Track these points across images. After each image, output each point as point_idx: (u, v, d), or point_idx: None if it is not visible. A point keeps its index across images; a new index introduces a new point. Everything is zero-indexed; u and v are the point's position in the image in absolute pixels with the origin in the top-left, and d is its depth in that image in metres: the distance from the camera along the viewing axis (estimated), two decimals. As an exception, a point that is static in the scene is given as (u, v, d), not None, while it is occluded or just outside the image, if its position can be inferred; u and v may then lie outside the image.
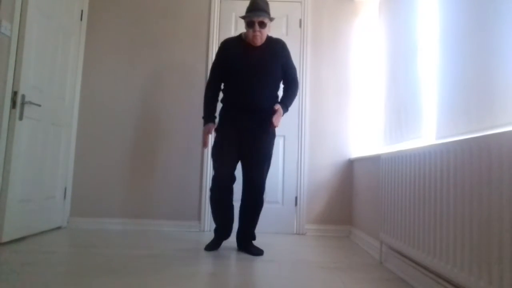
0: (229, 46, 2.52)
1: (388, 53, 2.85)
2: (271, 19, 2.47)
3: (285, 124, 3.33)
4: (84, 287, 1.63)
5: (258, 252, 2.44)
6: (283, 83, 2.60)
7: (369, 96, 3.35)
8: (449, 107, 1.73)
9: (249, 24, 2.41)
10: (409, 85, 2.33)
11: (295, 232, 3.31)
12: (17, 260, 2.05)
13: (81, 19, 3.37)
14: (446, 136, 1.73)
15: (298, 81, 2.64)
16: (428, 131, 2.03)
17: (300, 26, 3.46)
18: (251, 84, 2.43)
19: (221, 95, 2.59)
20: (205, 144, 2.51)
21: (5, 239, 2.45)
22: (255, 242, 2.62)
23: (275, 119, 2.41)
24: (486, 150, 1.23)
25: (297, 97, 3.37)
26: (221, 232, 2.55)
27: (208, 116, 2.52)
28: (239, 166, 2.51)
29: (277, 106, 2.44)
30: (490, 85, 1.42)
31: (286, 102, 2.53)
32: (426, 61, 2.12)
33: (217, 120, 2.56)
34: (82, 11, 3.37)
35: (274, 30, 3.44)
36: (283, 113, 2.49)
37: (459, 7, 1.70)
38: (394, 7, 2.76)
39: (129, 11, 3.46)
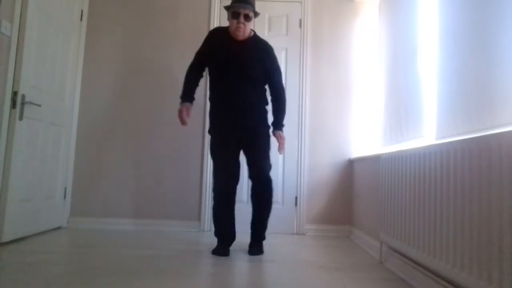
0: (217, 36, 2.47)
1: (388, 53, 2.85)
2: (256, 14, 2.43)
3: (285, 124, 3.32)
4: (84, 287, 1.63)
5: (252, 252, 2.41)
6: (270, 94, 2.53)
7: (369, 96, 3.35)
8: (449, 107, 1.73)
9: (234, 15, 2.36)
10: (409, 85, 2.33)
11: (295, 232, 3.30)
12: (17, 260, 2.05)
13: (81, 19, 3.37)
14: (446, 136, 1.73)
15: (284, 88, 2.55)
16: (428, 131, 2.03)
17: (300, 26, 3.46)
18: (236, 81, 2.39)
19: (209, 93, 2.55)
20: (183, 122, 2.40)
21: (5, 239, 2.45)
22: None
23: (280, 147, 2.42)
24: (486, 150, 1.23)
25: (297, 97, 3.39)
26: (226, 237, 2.46)
27: (186, 95, 2.45)
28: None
29: (280, 134, 2.44)
30: (490, 85, 1.42)
31: (280, 120, 2.50)
32: (426, 61, 2.12)
33: (195, 102, 2.51)
34: (82, 11, 3.37)
35: (274, 30, 3.45)
36: (282, 129, 2.49)
37: (459, 7, 1.70)
38: (394, 7, 2.76)
39: (129, 11, 3.46)
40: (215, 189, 2.46)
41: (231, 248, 2.53)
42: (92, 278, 1.76)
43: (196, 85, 2.52)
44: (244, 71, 2.40)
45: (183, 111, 2.41)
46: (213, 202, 2.49)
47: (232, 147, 2.44)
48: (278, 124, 2.50)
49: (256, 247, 2.47)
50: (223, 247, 2.41)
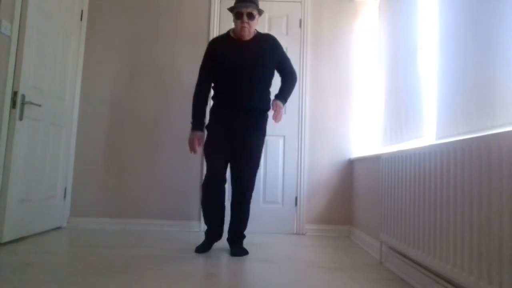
0: (217, 45, 2.47)
1: (388, 53, 2.85)
2: (260, 12, 2.42)
3: (285, 124, 3.33)
4: (84, 287, 1.63)
5: (237, 253, 2.38)
6: (280, 75, 2.56)
7: (369, 96, 3.35)
8: (449, 107, 1.73)
9: (237, 15, 2.36)
10: (409, 85, 2.33)
11: (295, 232, 3.30)
12: (17, 260, 2.05)
13: (81, 19, 3.37)
14: (446, 136, 1.73)
15: (295, 71, 2.60)
16: (428, 131, 2.03)
17: (300, 26, 3.46)
18: (243, 83, 2.39)
19: (212, 92, 2.56)
20: (194, 151, 2.45)
21: (5, 239, 2.45)
22: (244, 241, 2.57)
23: (275, 116, 2.39)
24: (486, 150, 1.23)
25: (297, 97, 3.38)
26: (212, 234, 2.50)
27: (196, 123, 2.45)
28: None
29: (277, 102, 2.42)
30: (490, 85, 1.42)
31: (285, 95, 2.50)
32: (426, 61, 2.12)
33: (205, 124, 2.52)
34: (82, 11, 3.37)
35: (274, 30, 3.45)
36: (283, 104, 2.47)
37: (459, 7, 1.70)
38: (394, 7, 2.76)
39: (129, 11, 3.46)
40: (203, 184, 2.44)
41: (225, 249, 2.53)
42: (92, 278, 1.76)
43: (206, 103, 2.51)
44: (252, 68, 2.40)
45: (195, 142, 2.43)
46: (201, 192, 2.49)
47: (226, 146, 2.41)
48: (281, 96, 2.49)
49: (237, 248, 2.44)
50: (205, 243, 2.45)
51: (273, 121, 2.43)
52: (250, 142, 2.42)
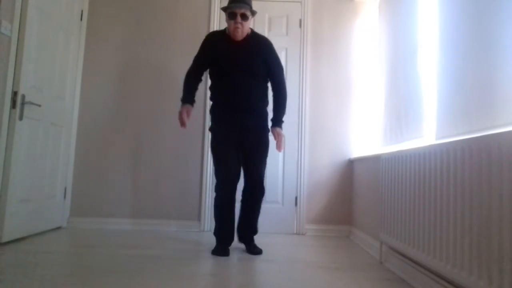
0: (214, 40, 2.48)
1: (388, 53, 2.85)
2: (254, 13, 2.43)
3: (285, 124, 3.32)
4: (84, 287, 1.63)
5: (257, 251, 2.44)
6: (272, 89, 2.54)
7: (369, 96, 3.35)
8: (449, 107, 1.73)
9: (231, 16, 2.37)
10: (409, 85, 2.33)
11: (295, 232, 3.30)
12: (17, 260, 2.05)
13: (81, 19, 3.37)
14: (446, 136, 1.74)
15: (285, 83, 2.55)
16: (428, 131, 2.03)
17: (300, 26, 3.46)
18: (239, 82, 2.39)
19: (209, 92, 2.57)
20: (183, 124, 2.41)
21: (5, 239, 2.45)
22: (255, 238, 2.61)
23: (279, 146, 2.44)
24: (486, 150, 1.23)
25: (297, 97, 3.38)
26: (227, 235, 2.44)
27: (185, 97, 2.47)
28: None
29: (277, 131, 2.45)
30: (490, 85, 1.42)
31: (280, 117, 2.50)
32: (426, 61, 2.12)
33: (196, 104, 2.54)
34: (82, 11, 3.37)
35: (274, 30, 3.46)
36: (281, 127, 2.50)
37: (459, 7, 1.70)
38: (394, 7, 2.76)
39: (129, 11, 3.46)
40: (217, 186, 2.42)
41: (230, 248, 2.53)
42: (92, 278, 1.76)
43: (196, 89, 2.54)
44: (246, 69, 2.40)
45: (183, 113, 2.42)
46: (214, 201, 2.46)
47: (234, 144, 2.43)
48: (278, 121, 2.50)
49: (254, 246, 2.49)
50: (223, 247, 2.41)
51: (276, 150, 2.50)
52: (260, 139, 2.47)
